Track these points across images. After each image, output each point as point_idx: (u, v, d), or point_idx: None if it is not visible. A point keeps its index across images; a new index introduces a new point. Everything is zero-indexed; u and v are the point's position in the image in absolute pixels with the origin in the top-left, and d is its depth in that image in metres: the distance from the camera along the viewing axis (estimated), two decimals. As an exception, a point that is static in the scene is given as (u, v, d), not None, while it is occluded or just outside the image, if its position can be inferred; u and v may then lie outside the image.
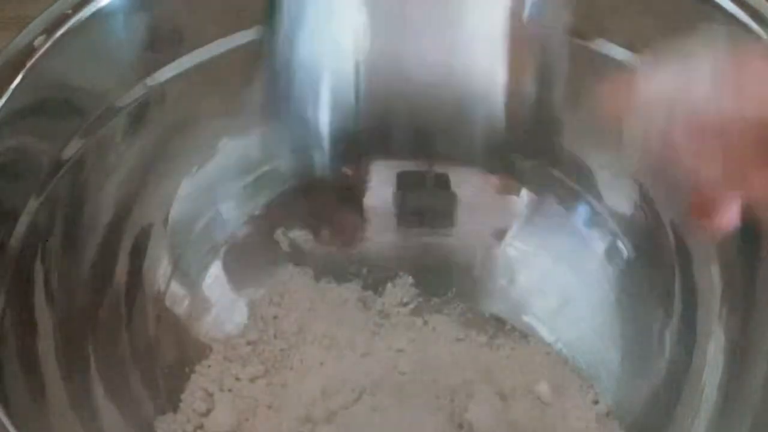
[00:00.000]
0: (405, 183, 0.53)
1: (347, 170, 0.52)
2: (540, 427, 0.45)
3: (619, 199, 0.50)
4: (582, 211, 0.51)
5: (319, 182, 0.53)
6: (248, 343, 0.49)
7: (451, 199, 0.53)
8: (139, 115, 0.44)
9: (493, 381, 0.47)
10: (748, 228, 0.42)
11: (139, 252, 0.46)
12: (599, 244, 0.50)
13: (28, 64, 0.39)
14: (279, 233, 0.52)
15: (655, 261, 0.48)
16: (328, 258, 0.52)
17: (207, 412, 0.46)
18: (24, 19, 0.41)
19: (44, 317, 0.40)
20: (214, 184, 0.50)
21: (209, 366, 0.48)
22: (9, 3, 0.56)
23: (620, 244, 0.50)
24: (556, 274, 0.51)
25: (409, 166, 0.53)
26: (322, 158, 0.52)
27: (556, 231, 0.52)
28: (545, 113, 0.48)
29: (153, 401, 0.45)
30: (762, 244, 0.42)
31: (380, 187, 0.53)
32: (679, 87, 0.34)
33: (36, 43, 0.39)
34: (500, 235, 0.52)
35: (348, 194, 0.53)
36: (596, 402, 0.47)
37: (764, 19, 0.41)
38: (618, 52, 0.46)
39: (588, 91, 0.48)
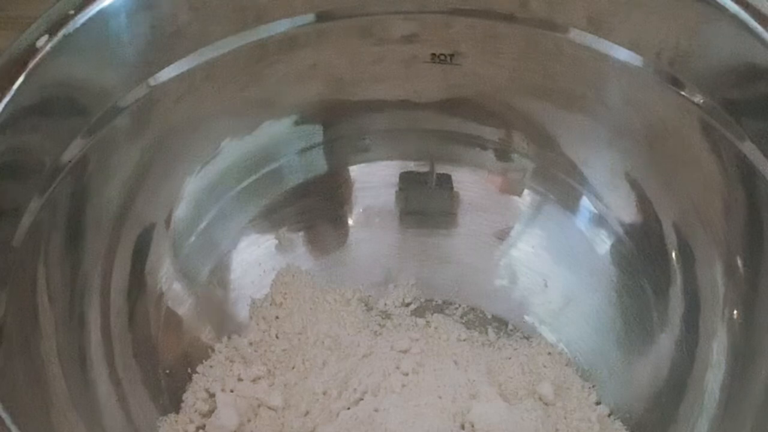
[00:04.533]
0: (407, 183, 0.53)
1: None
2: (542, 428, 0.45)
3: (621, 199, 0.50)
4: (584, 211, 0.51)
5: (320, 182, 0.53)
6: (250, 344, 0.49)
7: (454, 199, 0.53)
8: (142, 115, 0.44)
9: (496, 381, 0.47)
10: (752, 227, 0.43)
11: (141, 252, 0.46)
12: (601, 245, 0.51)
13: (31, 65, 0.39)
14: (281, 233, 0.52)
15: (657, 261, 0.48)
16: (330, 258, 0.53)
17: (209, 413, 0.46)
18: (26, 19, 0.41)
19: (46, 317, 0.40)
20: (216, 184, 0.50)
21: (211, 366, 0.48)
22: (11, 3, 0.56)
23: (622, 245, 0.50)
24: (557, 275, 0.51)
25: (411, 166, 0.53)
26: (322, 158, 0.52)
27: (558, 231, 0.52)
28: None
29: (155, 401, 0.45)
30: (765, 244, 0.42)
31: (383, 187, 0.53)
32: None
33: (38, 43, 0.39)
34: (502, 235, 0.52)
35: (348, 195, 0.53)
36: (598, 402, 0.47)
37: (766, 20, 0.41)
38: (619, 52, 0.46)
39: (588, 92, 0.48)
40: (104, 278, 0.44)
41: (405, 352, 0.48)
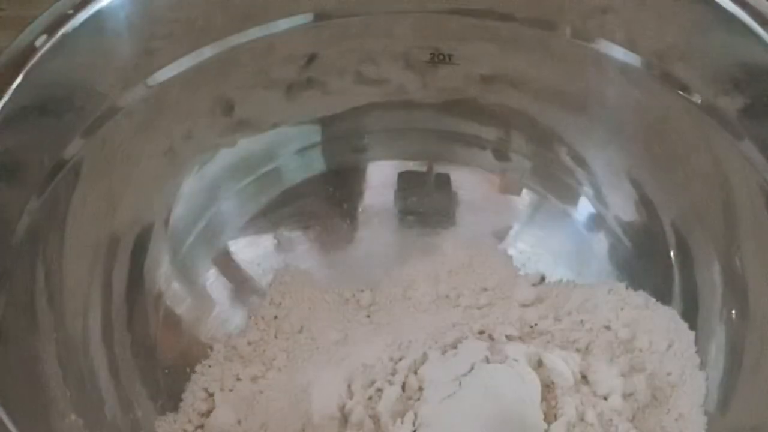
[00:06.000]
0: (406, 183, 0.53)
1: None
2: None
3: (620, 199, 0.50)
4: (583, 211, 0.51)
5: (319, 182, 0.53)
6: (249, 343, 0.48)
7: (452, 199, 0.53)
8: (140, 114, 0.44)
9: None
10: (751, 227, 0.43)
11: (140, 252, 0.46)
12: (600, 244, 0.51)
13: (29, 64, 0.39)
14: (279, 233, 0.52)
15: (655, 261, 0.48)
16: (329, 258, 0.52)
17: (208, 412, 0.46)
18: (25, 19, 0.41)
19: (45, 317, 0.40)
20: (215, 184, 0.50)
21: (210, 366, 0.48)
22: (9, 3, 0.56)
23: (621, 244, 0.50)
24: (556, 274, 0.51)
25: (410, 166, 0.53)
26: (321, 158, 0.52)
27: (556, 231, 0.52)
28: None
29: (154, 401, 0.45)
30: (764, 244, 0.42)
31: (381, 187, 0.53)
32: None
33: (37, 43, 0.39)
34: (501, 235, 0.52)
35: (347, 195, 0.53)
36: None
37: (765, 20, 0.41)
38: (618, 52, 0.46)
39: (588, 92, 0.48)
40: (103, 278, 0.44)
41: (405, 351, 0.48)
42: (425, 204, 0.53)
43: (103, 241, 0.44)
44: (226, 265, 0.51)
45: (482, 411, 0.43)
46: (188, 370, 0.47)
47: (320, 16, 0.47)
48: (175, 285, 0.48)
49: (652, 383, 0.45)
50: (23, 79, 0.38)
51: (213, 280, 0.50)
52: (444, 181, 0.53)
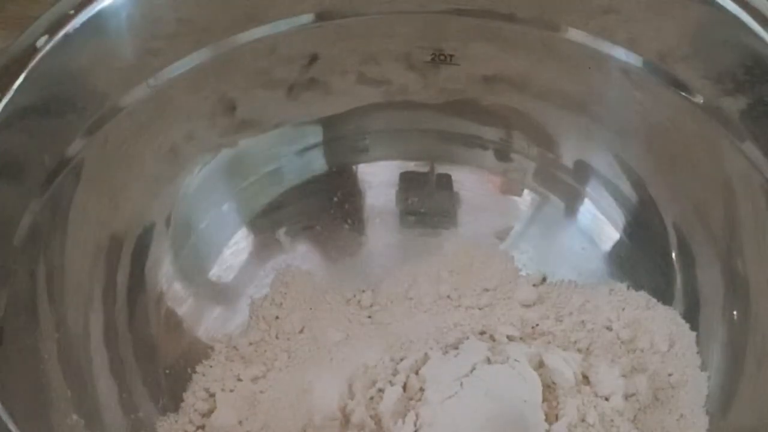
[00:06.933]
0: (408, 183, 0.53)
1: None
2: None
3: (621, 199, 0.50)
4: (584, 211, 0.51)
5: (320, 182, 0.53)
6: (250, 344, 0.48)
7: (454, 199, 0.53)
8: (142, 115, 0.44)
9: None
10: (752, 228, 0.43)
11: (141, 252, 0.46)
12: (601, 245, 0.51)
13: (31, 64, 0.39)
14: (280, 233, 0.52)
15: (657, 261, 0.48)
16: (330, 258, 0.53)
17: (209, 413, 0.46)
18: (26, 19, 0.41)
19: (46, 317, 0.40)
20: (216, 184, 0.50)
21: (211, 366, 0.48)
22: (11, 3, 0.56)
23: (622, 245, 0.50)
24: (558, 275, 0.51)
25: (411, 166, 0.53)
26: (322, 158, 0.52)
27: (558, 231, 0.52)
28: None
29: (155, 401, 0.45)
30: (765, 245, 0.42)
31: (383, 188, 0.53)
32: None
33: (38, 43, 0.39)
34: (502, 235, 0.52)
35: (349, 195, 0.53)
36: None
37: (766, 20, 0.41)
38: (620, 53, 0.46)
39: (588, 92, 0.48)
40: (105, 278, 0.44)
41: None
42: (427, 204, 0.53)
43: (105, 241, 0.44)
44: (228, 265, 0.51)
45: (483, 411, 0.43)
46: (189, 370, 0.47)
47: (322, 17, 0.47)
48: (177, 285, 0.48)
49: (654, 384, 0.45)
50: (25, 80, 0.39)
51: (214, 280, 0.50)
52: (445, 181, 0.53)
